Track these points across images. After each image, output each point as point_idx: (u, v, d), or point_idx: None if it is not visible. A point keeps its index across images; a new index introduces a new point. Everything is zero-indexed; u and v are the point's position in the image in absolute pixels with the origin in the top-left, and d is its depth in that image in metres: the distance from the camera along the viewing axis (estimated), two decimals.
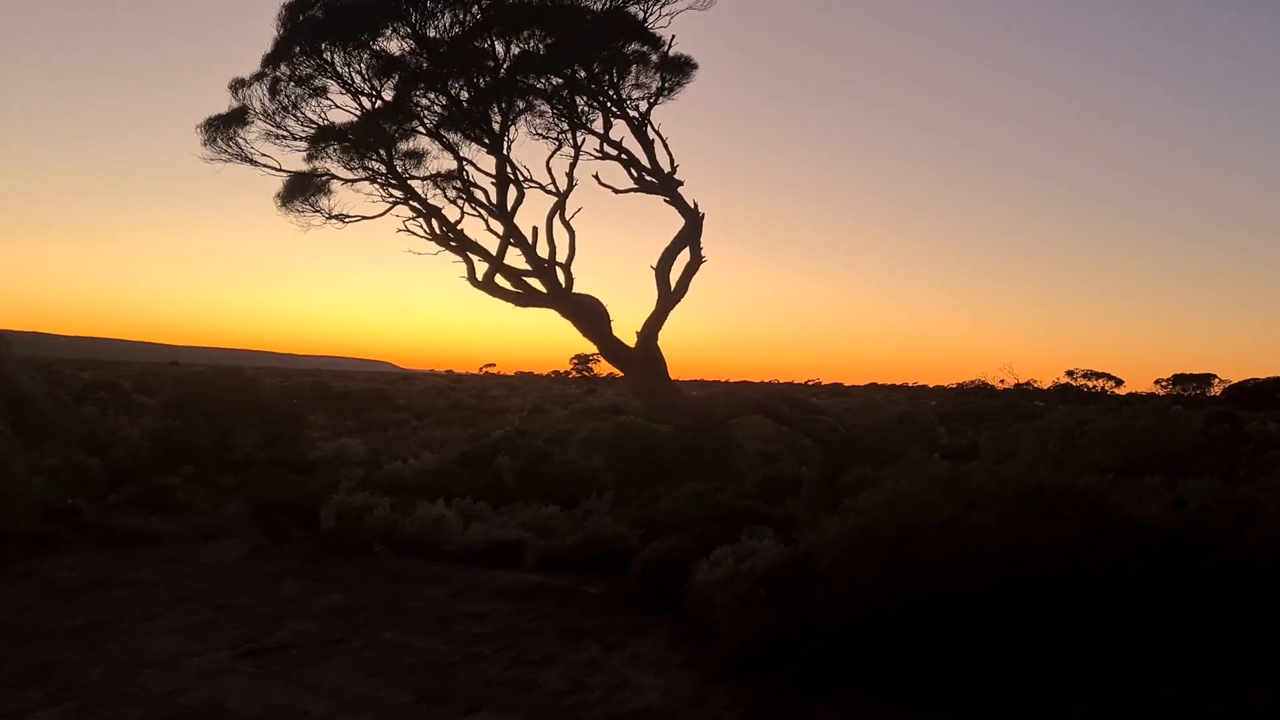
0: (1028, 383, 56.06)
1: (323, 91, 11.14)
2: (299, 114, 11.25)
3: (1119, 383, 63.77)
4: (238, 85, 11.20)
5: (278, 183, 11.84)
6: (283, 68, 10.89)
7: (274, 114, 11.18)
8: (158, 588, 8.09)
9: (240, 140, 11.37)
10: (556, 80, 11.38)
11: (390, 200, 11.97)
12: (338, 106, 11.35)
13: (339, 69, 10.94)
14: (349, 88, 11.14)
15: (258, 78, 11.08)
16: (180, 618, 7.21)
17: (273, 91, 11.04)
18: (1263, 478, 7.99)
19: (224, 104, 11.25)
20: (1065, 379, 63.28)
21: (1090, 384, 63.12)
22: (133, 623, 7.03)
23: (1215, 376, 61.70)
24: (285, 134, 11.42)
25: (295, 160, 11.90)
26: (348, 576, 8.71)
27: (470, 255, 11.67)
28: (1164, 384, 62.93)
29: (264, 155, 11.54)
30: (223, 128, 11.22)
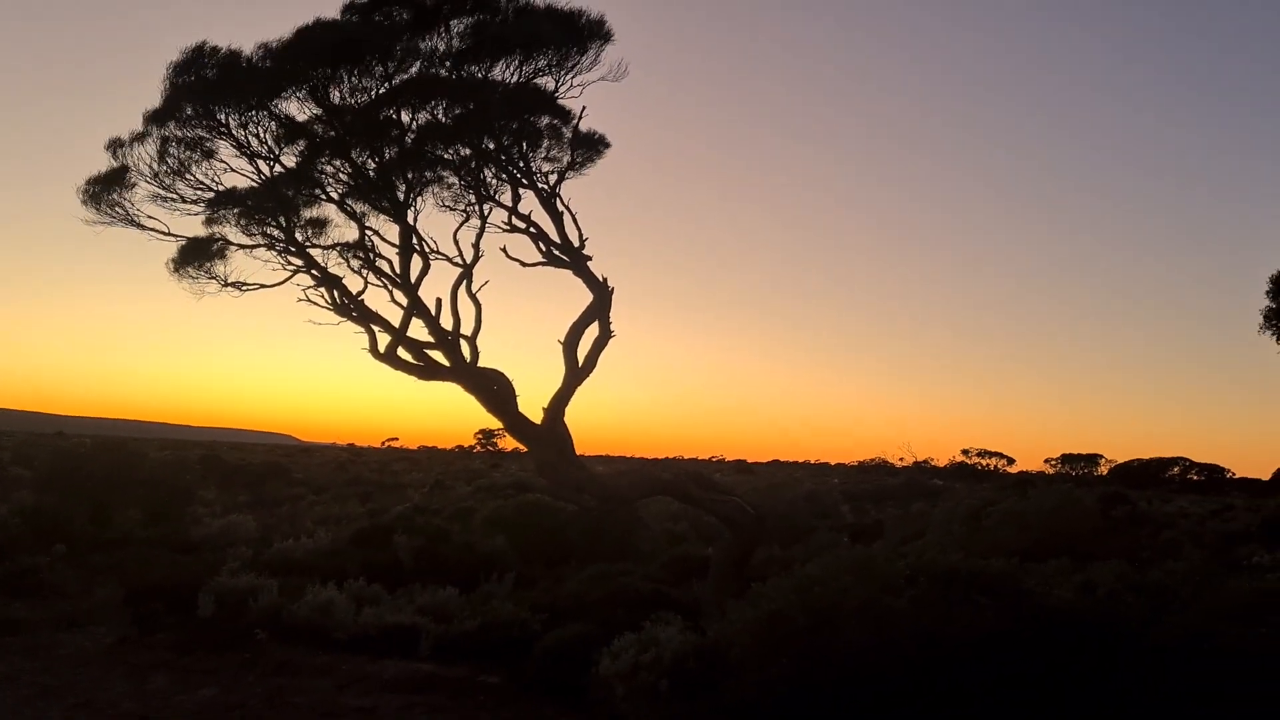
0: (925, 460, 57.40)
1: (213, 154, 10.75)
2: (190, 176, 10.82)
3: (1011, 461, 65.80)
4: (116, 145, 10.73)
5: (169, 247, 11.34)
6: (171, 127, 10.48)
7: (161, 176, 10.73)
8: (7, 684, 7.37)
9: (125, 202, 10.86)
10: (465, 151, 11.21)
11: (290, 269, 11.56)
12: (233, 170, 10.98)
13: (234, 131, 10.58)
14: (245, 151, 10.78)
15: (140, 138, 10.63)
16: (30, 719, 6.55)
17: (161, 154, 10.60)
18: (1169, 561, 8.08)
19: (104, 166, 10.75)
20: (961, 457, 65.03)
21: (984, 462, 64.97)
22: None
23: (1102, 456, 64.12)
24: (175, 197, 10.95)
25: (187, 224, 11.44)
26: (225, 668, 8.10)
27: (373, 326, 11.30)
28: (1053, 463, 65.11)
29: (151, 219, 11.05)
30: (104, 189, 10.70)
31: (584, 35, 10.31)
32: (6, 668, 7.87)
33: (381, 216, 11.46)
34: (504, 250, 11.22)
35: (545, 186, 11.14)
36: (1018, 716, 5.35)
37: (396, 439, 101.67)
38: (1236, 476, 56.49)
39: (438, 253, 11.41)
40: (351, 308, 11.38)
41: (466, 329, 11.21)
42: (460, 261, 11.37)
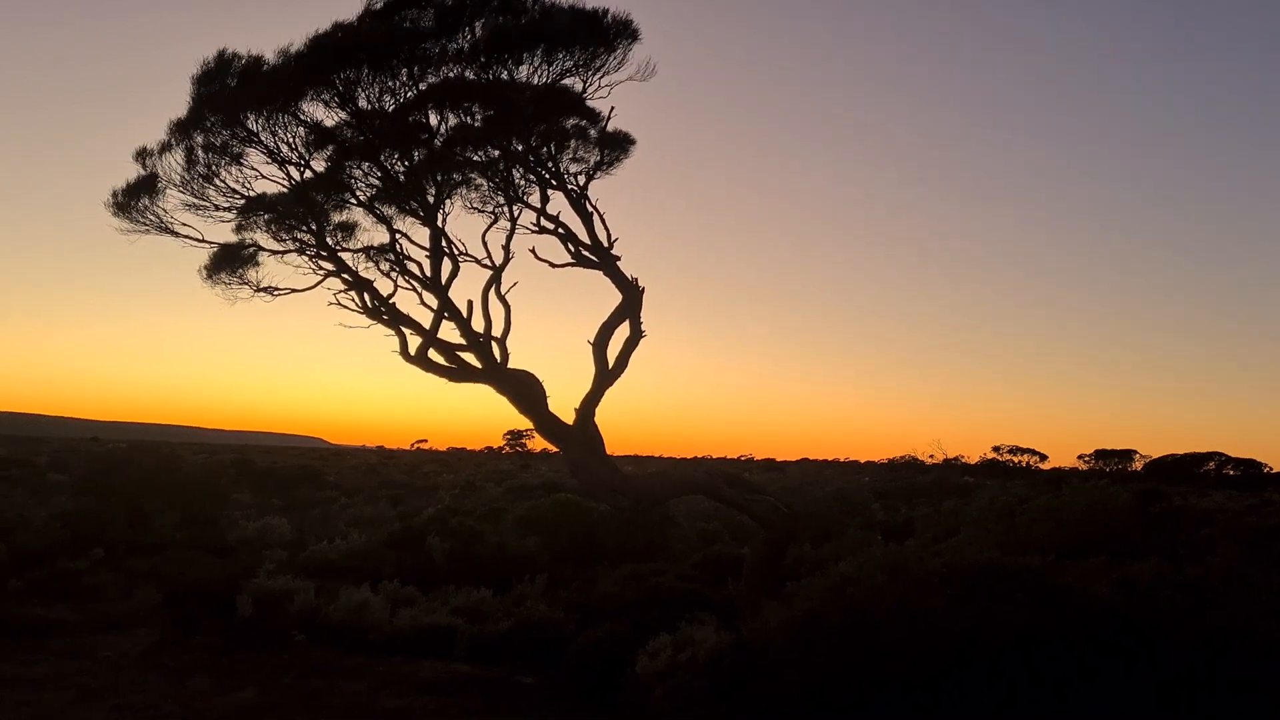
0: (956, 458, 56.75)
1: (242, 161, 10.83)
2: (220, 183, 10.93)
3: (1043, 458, 64.91)
4: (143, 154, 10.87)
5: (200, 254, 11.45)
6: (197, 136, 10.60)
7: (192, 183, 10.85)
8: (50, 686, 7.46)
9: (157, 210, 10.99)
10: (494, 153, 11.23)
11: (321, 273, 11.64)
12: (264, 176, 11.06)
13: (263, 138, 10.67)
14: (276, 157, 10.86)
15: (167, 147, 10.76)
16: None
17: (189, 161, 10.71)
18: (1207, 557, 7.99)
19: (131, 175, 10.89)
20: (992, 454, 64.20)
21: (1016, 459, 64.13)
22: None
23: (1136, 452, 63.18)
24: (206, 204, 11.06)
25: (219, 231, 11.51)
26: (263, 670, 8.16)
27: (403, 329, 11.34)
28: (1087, 459, 64.20)
29: (185, 225, 11.17)
30: (134, 197, 10.83)
31: (609, 33, 10.27)
32: (48, 669, 7.97)
33: (410, 219, 11.51)
34: (533, 251, 11.24)
35: (574, 187, 11.15)
36: (1057, 714, 5.29)
37: (426, 441, 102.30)
38: (1274, 471, 55.69)
39: (467, 255, 11.45)
40: (382, 310, 11.42)
41: (497, 331, 11.24)
42: (490, 263, 11.40)
